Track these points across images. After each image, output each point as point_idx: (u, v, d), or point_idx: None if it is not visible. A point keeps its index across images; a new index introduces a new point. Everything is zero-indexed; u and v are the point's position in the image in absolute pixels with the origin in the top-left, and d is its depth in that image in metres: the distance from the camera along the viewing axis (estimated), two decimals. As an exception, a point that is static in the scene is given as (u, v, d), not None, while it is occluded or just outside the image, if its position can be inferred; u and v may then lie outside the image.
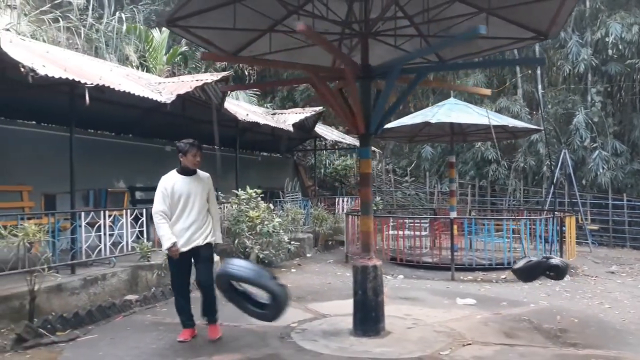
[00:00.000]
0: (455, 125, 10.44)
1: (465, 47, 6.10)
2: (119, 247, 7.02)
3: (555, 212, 9.33)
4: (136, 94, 6.63)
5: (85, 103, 5.75)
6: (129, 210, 7.34)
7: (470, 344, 4.93)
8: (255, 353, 4.68)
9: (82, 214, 6.50)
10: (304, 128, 13.05)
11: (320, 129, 14.54)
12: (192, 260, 4.96)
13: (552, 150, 15.73)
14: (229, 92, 9.08)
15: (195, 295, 5.14)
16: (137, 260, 7.11)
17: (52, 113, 8.83)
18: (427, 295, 7.28)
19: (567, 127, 16.24)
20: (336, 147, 17.22)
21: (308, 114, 11.90)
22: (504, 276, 8.77)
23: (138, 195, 10.53)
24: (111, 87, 6.29)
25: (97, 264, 6.92)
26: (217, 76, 7.89)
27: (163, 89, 7.51)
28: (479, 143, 16.35)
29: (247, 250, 8.94)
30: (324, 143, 17.61)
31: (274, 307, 4.54)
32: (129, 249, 7.11)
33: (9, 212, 7.17)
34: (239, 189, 9.38)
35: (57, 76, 5.61)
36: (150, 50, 13.51)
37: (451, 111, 9.56)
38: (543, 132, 11.91)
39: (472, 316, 6.09)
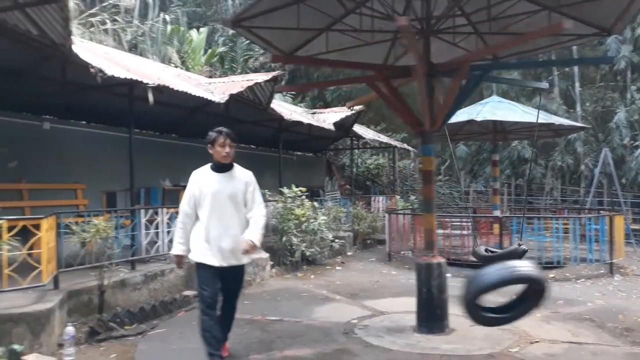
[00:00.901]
0: (498, 123, 10.38)
1: (522, 44, 6.07)
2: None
3: (602, 212, 9.20)
4: (193, 93, 6.76)
5: (150, 103, 5.88)
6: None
7: (537, 342, 4.93)
8: (325, 348, 4.74)
9: (142, 211, 6.65)
10: (343, 127, 13.10)
11: (357, 128, 14.58)
12: (220, 273, 4.10)
13: (591, 149, 15.51)
14: (282, 92, 9.14)
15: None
16: (192, 257, 7.22)
17: (107, 113, 9.03)
18: (480, 294, 7.26)
19: (605, 125, 16.00)
20: (376, 145, 17.09)
21: (348, 113, 11.94)
22: (552, 275, 8.69)
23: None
24: (170, 86, 6.41)
25: (154, 260, 7.05)
26: (267, 76, 7.98)
27: (215, 88, 7.63)
28: (516, 142, 16.20)
29: (293, 247, 9.02)
30: (359, 142, 17.60)
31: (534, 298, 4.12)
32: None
33: (66, 210, 7.38)
34: (284, 188, 9.47)
35: (122, 76, 5.76)
36: (189, 51, 13.70)
37: (496, 109, 9.51)
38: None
39: (532, 314, 6.04)
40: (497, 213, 10.36)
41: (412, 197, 16.78)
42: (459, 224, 10.71)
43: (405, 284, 8.06)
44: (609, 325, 5.56)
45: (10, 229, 4.70)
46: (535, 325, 5.53)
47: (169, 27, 12.86)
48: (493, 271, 4.09)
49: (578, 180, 16.83)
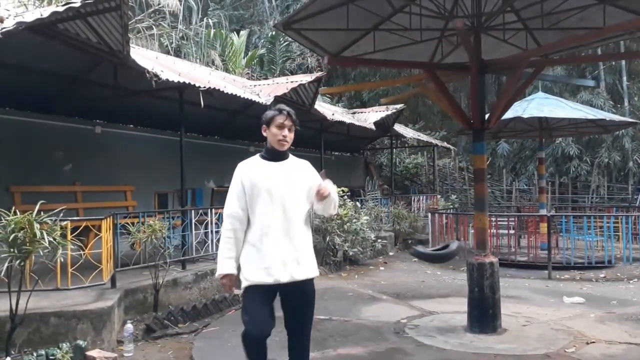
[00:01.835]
0: (543, 120, 10.17)
1: (572, 38, 5.94)
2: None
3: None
4: (242, 95, 6.87)
5: (200, 106, 6.00)
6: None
7: (594, 342, 4.81)
8: (377, 347, 4.75)
9: (192, 212, 6.80)
10: (383, 126, 13.06)
11: (397, 127, 14.51)
12: (282, 297, 3.17)
13: (639, 145, 15.02)
14: (328, 93, 9.18)
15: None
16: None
17: (154, 117, 9.27)
18: (530, 294, 7.15)
19: (655, 121, 15.46)
20: (414, 144, 16.95)
21: (388, 112, 11.90)
22: (603, 275, 8.47)
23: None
24: (220, 89, 6.54)
25: (203, 260, 7.21)
26: (311, 77, 8.04)
27: (260, 90, 7.73)
28: (560, 139, 15.82)
29: (336, 247, 9.06)
30: (397, 142, 17.50)
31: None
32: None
33: (117, 211, 7.62)
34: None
35: (175, 80, 5.91)
36: (230, 54, 13.92)
37: (543, 105, 9.32)
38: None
39: (586, 315, 5.92)
40: (544, 212, 10.15)
41: (453, 197, 16.59)
42: (505, 223, 10.53)
43: (451, 283, 8.00)
44: (668, 326, 5.39)
45: (72, 230, 4.89)
46: (589, 325, 5.42)
47: (212, 31, 13.09)
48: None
49: (626, 178, 16.32)
